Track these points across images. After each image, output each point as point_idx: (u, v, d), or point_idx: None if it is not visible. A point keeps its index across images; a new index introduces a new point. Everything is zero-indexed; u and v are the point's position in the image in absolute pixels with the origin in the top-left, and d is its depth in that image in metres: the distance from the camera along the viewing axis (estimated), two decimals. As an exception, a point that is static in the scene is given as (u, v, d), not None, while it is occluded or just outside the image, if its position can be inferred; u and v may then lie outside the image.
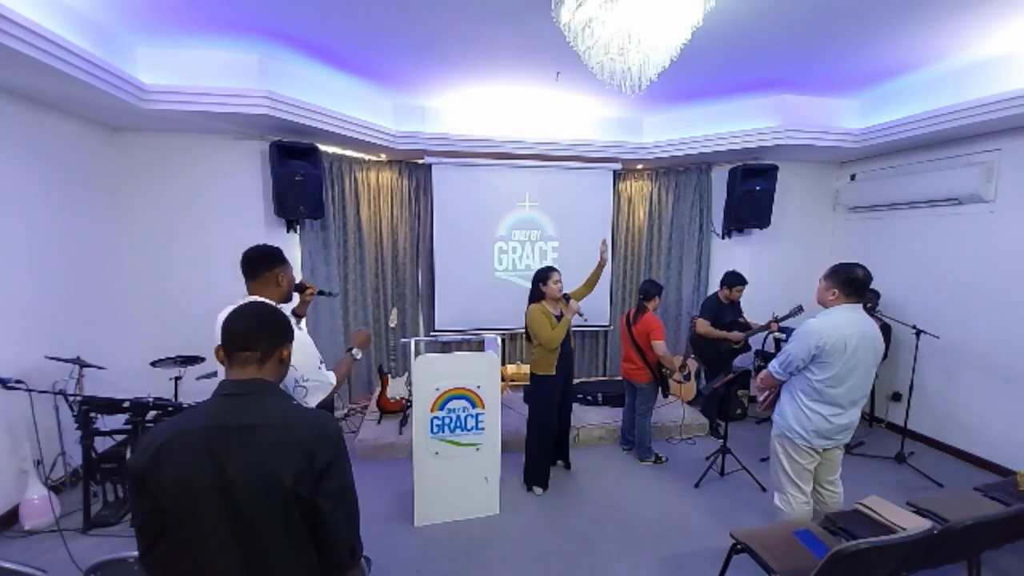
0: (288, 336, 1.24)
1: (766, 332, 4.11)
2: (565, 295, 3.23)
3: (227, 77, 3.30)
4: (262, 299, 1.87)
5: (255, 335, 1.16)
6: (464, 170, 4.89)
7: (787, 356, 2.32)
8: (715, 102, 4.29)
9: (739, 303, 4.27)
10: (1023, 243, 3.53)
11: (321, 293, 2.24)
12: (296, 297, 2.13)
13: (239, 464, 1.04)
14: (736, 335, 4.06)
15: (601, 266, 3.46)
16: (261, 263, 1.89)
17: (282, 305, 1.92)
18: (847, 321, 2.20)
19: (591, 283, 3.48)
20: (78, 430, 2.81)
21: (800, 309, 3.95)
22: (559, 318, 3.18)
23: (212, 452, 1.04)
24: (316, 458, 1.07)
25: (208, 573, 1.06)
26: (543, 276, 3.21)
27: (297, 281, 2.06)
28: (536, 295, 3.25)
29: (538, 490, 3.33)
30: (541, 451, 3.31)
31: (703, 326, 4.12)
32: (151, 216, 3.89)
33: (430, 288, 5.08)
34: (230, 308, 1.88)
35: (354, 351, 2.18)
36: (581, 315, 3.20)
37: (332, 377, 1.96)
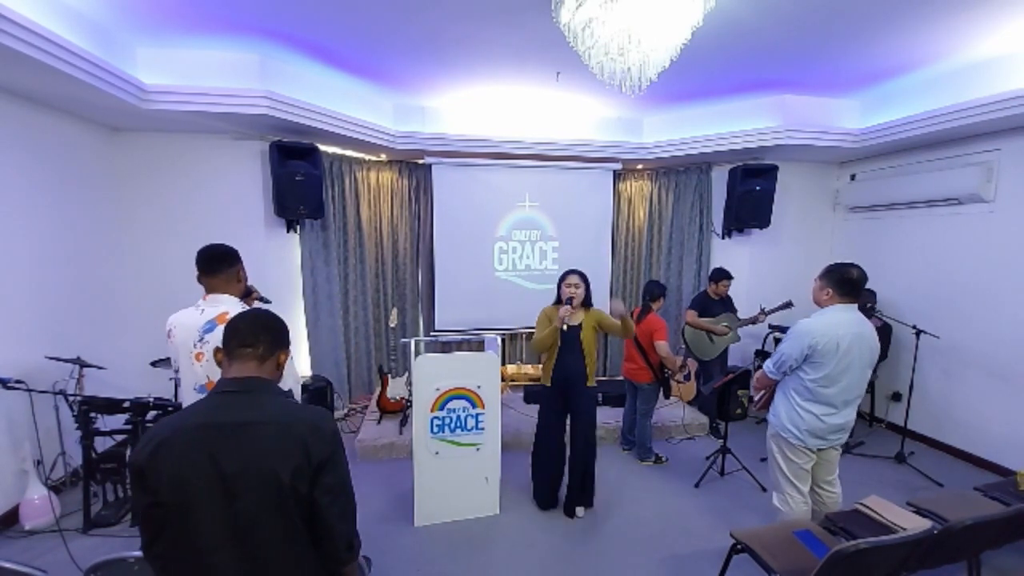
0: (286, 343, 1.27)
1: (755, 324, 4.18)
2: (570, 300, 2.88)
3: (227, 77, 3.30)
4: (232, 298, 1.87)
5: (257, 333, 1.20)
6: (464, 170, 4.89)
7: (780, 356, 2.32)
8: (715, 102, 4.29)
9: (730, 300, 4.31)
10: (1023, 243, 3.53)
11: (261, 299, 2.27)
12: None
13: (236, 460, 1.06)
14: (721, 327, 4.11)
15: (624, 322, 2.97)
16: (224, 259, 1.92)
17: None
18: (841, 321, 2.20)
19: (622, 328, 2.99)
20: (78, 430, 2.81)
21: (789, 304, 4.00)
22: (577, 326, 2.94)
23: (210, 448, 1.06)
24: (313, 454, 1.09)
25: (206, 567, 1.07)
26: (560, 278, 3.01)
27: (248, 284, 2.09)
28: (557, 296, 3.03)
29: (537, 504, 3.14)
30: (535, 464, 3.14)
31: (690, 316, 4.20)
32: (151, 216, 3.89)
33: (430, 288, 5.08)
34: (186, 311, 1.89)
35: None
36: (565, 328, 2.91)
37: (298, 377, 2.00)
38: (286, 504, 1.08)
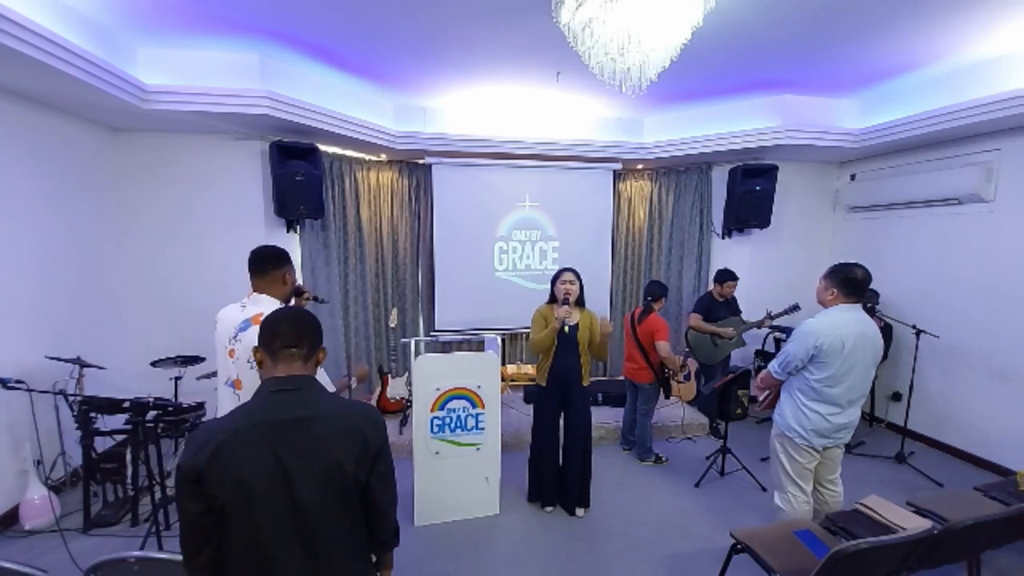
0: (322, 340, 1.30)
1: (760, 328, 4.13)
2: (566, 300, 2.85)
3: (227, 77, 3.30)
4: (272, 299, 1.90)
5: (303, 334, 1.22)
6: (464, 170, 4.89)
7: (786, 356, 2.33)
8: (715, 102, 4.29)
9: (735, 301, 4.29)
10: (1023, 243, 3.54)
11: (315, 299, 2.28)
12: (292, 300, 2.16)
13: (299, 455, 1.09)
14: (728, 331, 4.07)
15: (603, 342, 2.97)
16: (271, 261, 1.94)
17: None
18: (845, 321, 2.20)
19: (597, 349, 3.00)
20: (78, 430, 2.81)
21: (796, 307, 3.96)
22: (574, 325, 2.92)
23: (272, 446, 1.08)
24: (371, 443, 1.16)
25: (269, 565, 1.08)
26: (554, 276, 2.99)
27: (297, 284, 2.11)
28: (551, 296, 3.02)
29: (548, 508, 3.11)
30: (534, 464, 3.13)
31: (695, 319, 4.16)
32: (152, 216, 3.89)
33: (430, 288, 5.08)
34: (231, 306, 1.91)
35: (352, 380, 2.25)
36: (565, 329, 2.90)
37: (331, 384, 2.02)
38: (349, 493, 1.13)
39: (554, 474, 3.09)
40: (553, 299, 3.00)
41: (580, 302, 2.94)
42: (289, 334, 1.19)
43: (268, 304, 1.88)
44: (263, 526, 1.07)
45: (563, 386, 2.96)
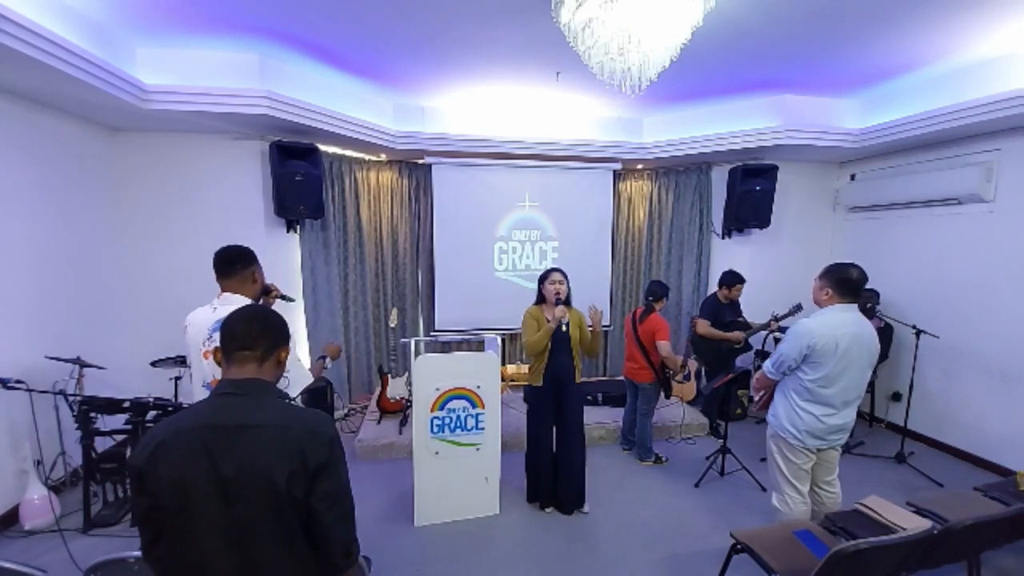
0: (286, 338, 1.25)
1: (766, 331, 4.11)
2: (558, 300, 2.88)
3: (227, 77, 3.30)
4: (244, 299, 1.90)
5: (256, 335, 1.17)
6: (464, 170, 4.89)
7: (779, 356, 2.32)
8: (715, 102, 4.29)
9: (739, 302, 4.27)
10: (1023, 243, 3.54)
11: (283, 297, 2.28)
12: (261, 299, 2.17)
13: (234, 463, 1.05)
14: (737, 335, 4.05)
15: (595, 337, 3.02)
16: (238, 261, 1.95)
17: None
18: (840, 321, 2.19)
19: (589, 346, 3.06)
20: (78, 430, 2.81)
21: (799, 307, 3.94)
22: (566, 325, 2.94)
23: (208, 451, 1.05)
24: (309, 459, 1.07)
25: (203, 568, 1.06)
26: (542, 276, 3.03)
27: (266, 283, 2.12)
28: (538, 296, 3.06)
29: (546, 509, 3.11)
30: (532, 464, 3.12)
31: (703, 326, 4.10)
32: (151, 216, 3.89)
33: (430, 288, 5.08)
34: (202, 309, 1.91)
35: (326, 360, 2.25)
36: (562, 328, 2.91)
37: (310, 375, 2.02)
38: (282, 509, 1.07)
39: (551, 474, 3.08)
40: (541, 299, 3.03)
41: (568, 301, 2.97)
42: (241, 336, 1.16)
43: (240, 303, 1.88)
44: (199, 532, 1.04)
45: (558, 385, 2.98)
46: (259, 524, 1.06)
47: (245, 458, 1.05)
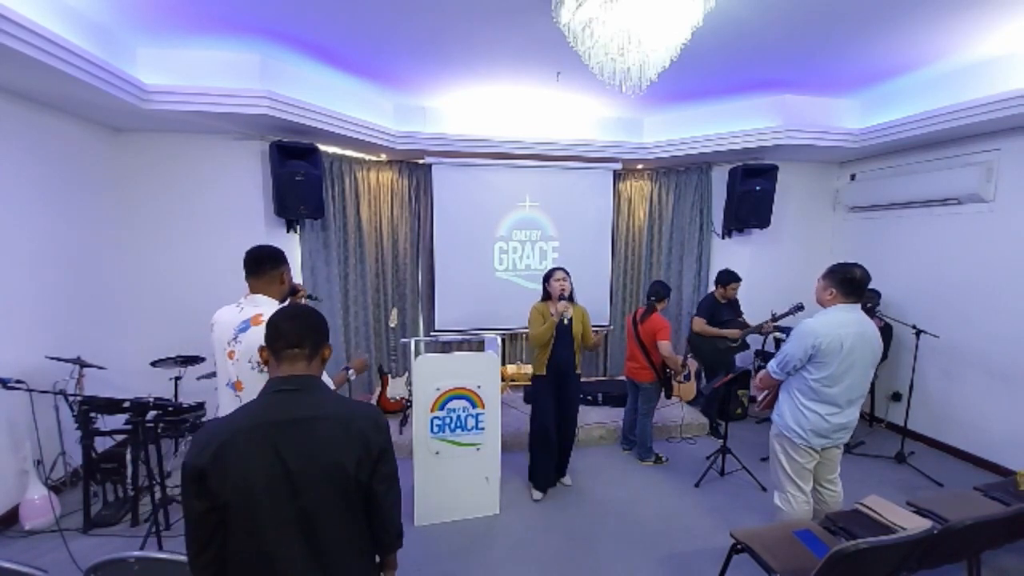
0: (327, 337, 1.29)
1: (765, 330, 4.10)
2: (563, 296, 3.10)
3: (227, 77, 3.30)
4: (270, 299, 1.90)
5: (304, 334, 1.21)
6: (464, 170, 4.89)
7: (784, 356, 2.33)
8: (715, 102, 4.29)
9: (737, 302, 4.27)
10: (1023, 243, 3.54)
11: (310, 297, 2.30)
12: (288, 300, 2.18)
13: (301, 456, 1.09)
14: (733, 332, 4.05)
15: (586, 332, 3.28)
16: (268, 261, 1.94)
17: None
18: (844, 321, 2.20)
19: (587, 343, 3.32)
20: (78, 430, 2.81)
21: (800, 307, 3.93)
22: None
23: (275, 446, 1.08)
24: (372, 445, 1.15)
25: (271, 564, 1.08)
26: (547, 275, 3.23)
27: (293, 283, 2.12)
28: (544, 293, 3.24)
29: (537, 494, 3.26)
30: (537, 452, 3.26)
31: (699, 324, 4.13)
32: (152, 216, 3.89)
33: (430, 288, 5.08)
34: (228, 308, 1.91)
35: (350, 372, 2.25)
36: (565, 322, 3.12)
37: (330, 380, 2.03)
38: (350, 495, 1.13)
39: (554, 455, 3.28)
40: (547, 296, 3.21)
41: (571, 297, 3.18)
42: (290, 335, 1.19)
43: (266, 304, 1.88)
44: (266, 525, 1.07)
45: (560, 374, 3.19)
46: (328, 513, 1.11)
47: (312, 449, 1.10)
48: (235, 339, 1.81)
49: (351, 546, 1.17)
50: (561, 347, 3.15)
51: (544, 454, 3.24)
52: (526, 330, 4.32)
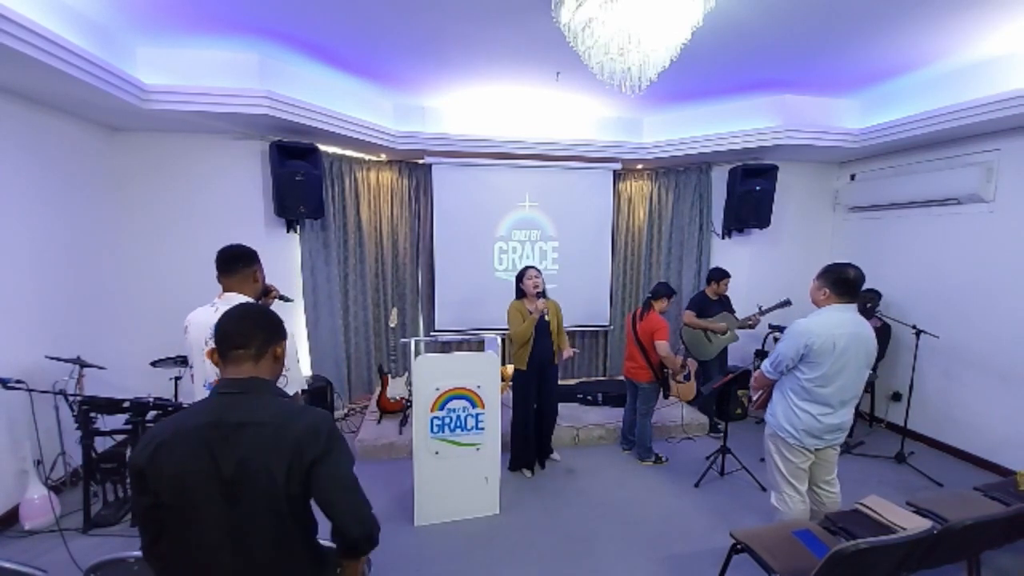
0: (281, 334, 1.26)
1: (751, 323, 4.14)
2: (539, 293, 3.33)
3: (227, 77, 3.30)
4: (245, 298, 1.90)
5: (249, 334, 1.18)
6: (464, 170, 4.89)
7: (777, 355, 2.33)
8: (715, 102, 4.29)
9: (728, 299, 4.31)
10: (1023, 243, 3.53)
11: (282, 298, 2.30)
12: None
13: (234, 461, 1.06)
14: (719, 325, 4.11)
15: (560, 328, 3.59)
16: (240, 260, 1.96)
17: None
18: (837, 321, 2.20)
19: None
20: (78, 430, 2.80)
21: (787, 302, 3.99)
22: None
23: (209, 449, 1.06)
24: (306, 453, 1.09)
25: (205, 566, 1.07)
26: (519, 274, 3.42)
27: (266, 283, 2.14)
28: (518, 292, 3.43)
29: (527, 472, 3.53)
30: (518, 440, 3.51)
31: (688, 316, 4.22)
32: (151, 216, 3.89)
33: (430, 288, 5.08)
34: (202, 308, 1.91)
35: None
36: (546, 317, 3.38)
37: (303, 379, 2.05)
38: (281, 507, 1.08)
39: (535, 440, 3.57)
40: (520, 294, 3.42)
41: (543, 293, 3.42)
42: (235, 335, 1.17)
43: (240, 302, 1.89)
44: (200, 527, 1.06)
45: (541, 365, 3.41)
46: (259, 523, 1.07)
47: (245, 455, 1.06)
48: (212, 337, 1.83)
49: (286, 561, 1.11)
50: (541, 340, 3.37)
51: (524, 443, 3.51)
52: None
